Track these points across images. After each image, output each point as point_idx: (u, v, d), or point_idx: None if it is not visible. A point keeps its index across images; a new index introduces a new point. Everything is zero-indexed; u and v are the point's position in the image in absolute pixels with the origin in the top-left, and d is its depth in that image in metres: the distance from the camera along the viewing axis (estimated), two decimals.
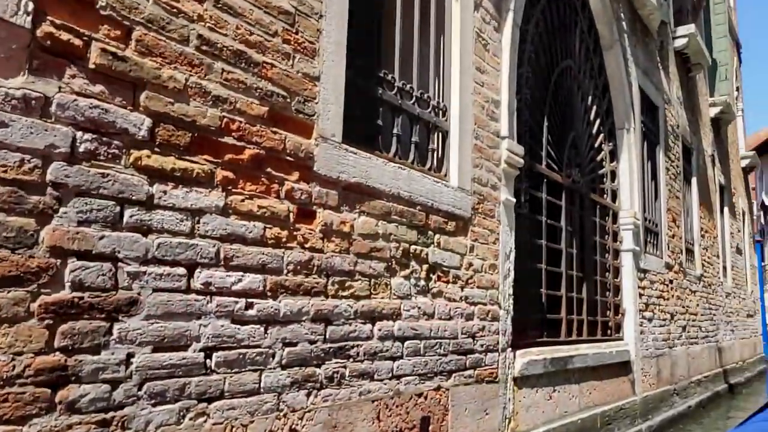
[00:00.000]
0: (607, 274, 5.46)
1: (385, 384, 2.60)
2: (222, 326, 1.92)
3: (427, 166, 3.10)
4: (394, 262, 2.70)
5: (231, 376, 1.94)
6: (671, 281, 6.92)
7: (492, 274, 3.46)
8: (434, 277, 2.97)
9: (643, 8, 6.42)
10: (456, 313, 3.11)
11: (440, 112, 3.24)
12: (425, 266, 2.91)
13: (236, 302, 1.98)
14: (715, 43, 10.53)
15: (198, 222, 1.89)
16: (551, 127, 4.66)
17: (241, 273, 2.00)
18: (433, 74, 3.26)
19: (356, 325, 2.46)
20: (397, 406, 2.66)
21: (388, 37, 3.11)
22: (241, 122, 2.05)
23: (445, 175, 3.21)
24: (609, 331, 5.41)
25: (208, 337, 1.88)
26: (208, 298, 1.89)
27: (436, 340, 2.94)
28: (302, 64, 2.31)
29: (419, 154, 3.06)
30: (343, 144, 2.47)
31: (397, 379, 2.67)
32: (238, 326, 1.98)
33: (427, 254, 2.93)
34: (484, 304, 3.36)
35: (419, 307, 2.84)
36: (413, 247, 2.84)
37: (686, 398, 7.00)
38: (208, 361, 1.87)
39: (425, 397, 2.84)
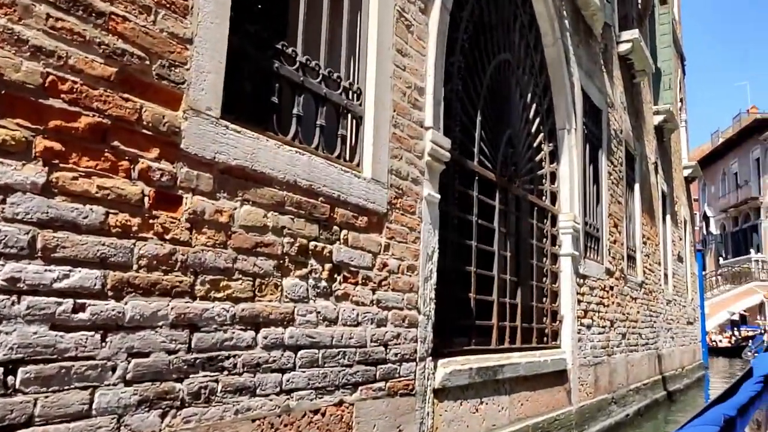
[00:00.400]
0: (544, 279, 5.26)
1: (271, 400, 2.24)
2: (35, 334, 1.54)
3: (335, 154, 2.77)
4: (287, 260, 2.36)
5: (46, 397, 1.55)
6: (612, 288, 6.80)
7: (411, 275, 3.15)
8: (339, 277, 2.64)
9: (586, 8, 6.30)
10: (365, 319, 2.78)
11: (353, 94, 2.91)
12: (328, 265, 2.57)
13: (59, 303, 1.60)
14: (660, 52, 10.63)
15: (3, 202, 1.50)
16: (486, 123, 4.41)
17: (68, 267, 1.62)
18: (347, 53, 2.94)
19: (234, 332, 2.10)
20: (285, 425, 2.31)
21: (293, 5, 2.77)
22: (75, 83, 1.67)
23: (358, 165, 2.89)
24: (545, 339, 5.20)
25: (11, 348, 1.49)
26: (14, 298, 1.50)
27: (340, 349, 2.60)
28: (169, 21, 1.95)
29: (326, 139, 2.73)
30: (222, 120, 2.11)
31: (287, 394, 2.32)
32: (61, 333, 1.60)
33: (330, 252, 2.59)
34: (400, 309, 3.05)
35: (319, 312, 2.50)
36: (313, 243, 2.50)
37: (624, 407, 6.88)
38: (10, 378, 1.48)
39: (323, 414, 2.49)
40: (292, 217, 2.39)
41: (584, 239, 6.07)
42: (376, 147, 2.93)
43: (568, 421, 5.20)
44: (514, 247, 4.73)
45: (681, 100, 14.15)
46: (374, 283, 2.86)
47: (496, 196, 4.47)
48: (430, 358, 3.29)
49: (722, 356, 24.58)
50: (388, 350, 2.93)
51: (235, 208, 2.14)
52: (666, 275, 10.39)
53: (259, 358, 2.20)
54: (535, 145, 5.29)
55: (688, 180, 13.89)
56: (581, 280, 5.80)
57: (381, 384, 2.86)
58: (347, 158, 2.85)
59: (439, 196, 3.42)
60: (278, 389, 2.27)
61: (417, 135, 3.28)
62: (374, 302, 2.85)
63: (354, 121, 2.92)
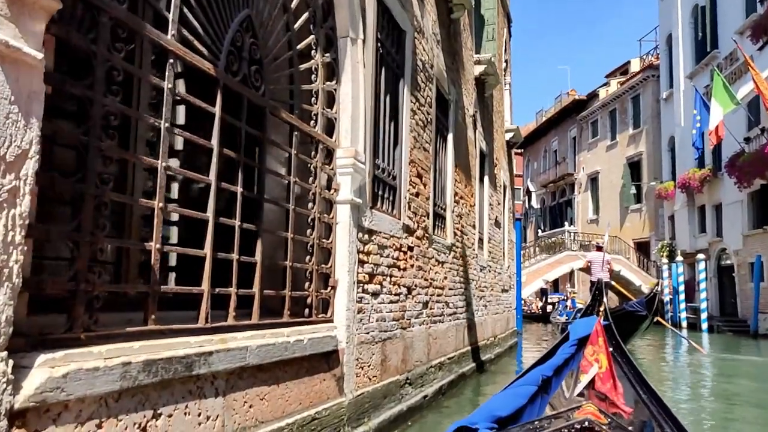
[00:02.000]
0: (309, 231, 3.90)
1: None
2: None
3: None
4: None
5: None
6: (411, 248, 5.73)
7: None
8: None
9: None
10: None
11: None
12: None
13: None
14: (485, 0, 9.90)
15: None
16: None
17: None
18: None
19: None
20: None
21: None
22: None
23: None
24: (309, 311, 3.87)
25: None
26: None
27: None
28: None
29: None
30: None
31: None
32: None
33: None
34: None
35: None
36: None
37: (422, 387, 5.91)
38: None
39: None
40: None
41: (373, 186, 4.85)
42: None
43: (336, 417, 3.95)
44: (249, 181, 3.28)
45: (506, 62, 13.86)
46: None
47: (217, 99, 2.95)
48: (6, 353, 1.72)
49: (536, 322, 26.19)
50: None
51: None
52: (481, 240, 9.81)
53: None
54: (300, 47, 3.86)
55: (510, 144, 13.69)
56: (366, 236, 4.58)
57: None
58: None
59: (40, 55, 1.81)
60: None
61: None
62: None
63: None
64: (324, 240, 4.07)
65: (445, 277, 7.06)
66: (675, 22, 26.20)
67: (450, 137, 7.54)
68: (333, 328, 4.03)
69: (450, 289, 7.30)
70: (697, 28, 25.07)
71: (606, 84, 35.37)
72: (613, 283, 16.94)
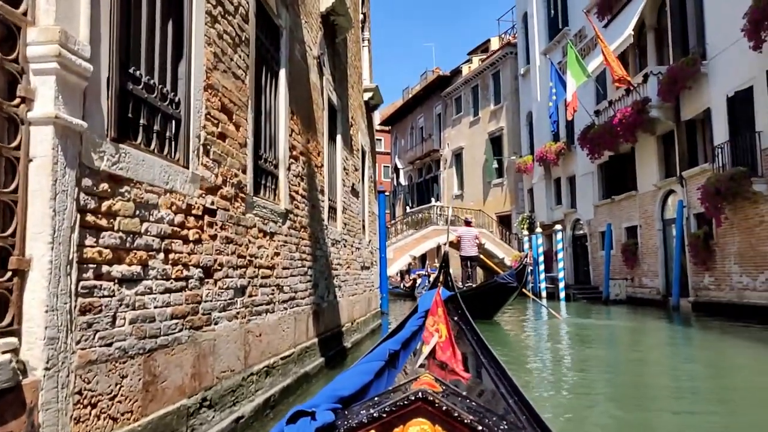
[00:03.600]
0: None
1: None
2: None
3: None
4: None
5: None
6: (211, 212, 3.99)
7: None
8: None
9: None
10: None
11: None
12: None
13: None
14: None
15: None
16: None
17: None
18: None
19: None
20: None
21: None
22: None
23: None
24: None
25: None
26: None
27: None
28: None
29: None
30: None
31: None
32: None
33: None
34: None
35: None
36: None
37: (234, 406, 4.24)
38: None
39: None
40: None
41: (126, 107, 3.04)
42: None
43: None
44: None
45: (364, 15, 12.38)
46: None
47: None
48: None
49: (405, 299, 25.55)
50: None
51: None
52: (333, 209, 8.29)
53: None
54: None
55: (370, 107, 12.29)
56: (104, 186, 2.77)
57: None
58: None
59: None
60: None
61: None
62: None
63: None
64: (2, 190, 2.23)
65: (277, 253, 5.42)
66: (530, 0, 26.50)
67: (283, 74, 5.84)
68: (12, 345, 2.22)
69: (285, 268, 5.67)
70: (549, 6, 25.51)
71: (468, 61, 35.52)
72: (482, 257, 16.58)
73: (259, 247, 4.94)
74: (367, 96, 11.66)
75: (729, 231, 13.47)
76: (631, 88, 16.59)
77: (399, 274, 27.58)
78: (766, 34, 11.29)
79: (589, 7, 20.72)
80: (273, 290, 5.28)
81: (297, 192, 6.26)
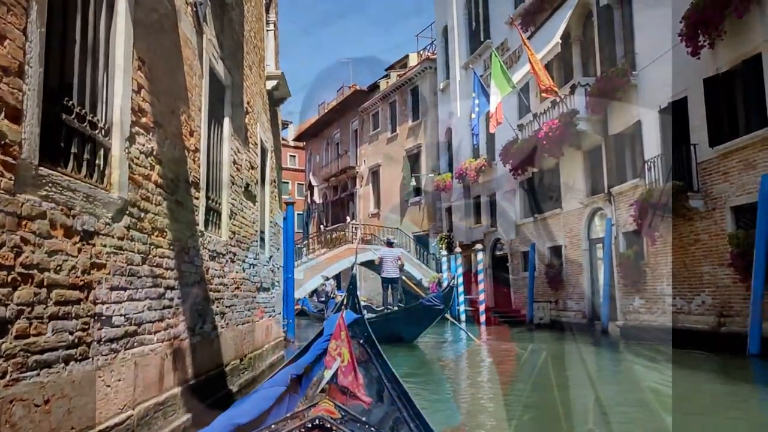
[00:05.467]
0: None
1: None
2: None
3: None
4: None
5: None
6: None
7: None
8: None
9: None
10: None
11: None
12: None
13: None
14: None
15: None
16: None
17: None
18: None
19: None
20: None
21: None
22: None
23: None
24: None
25: None
26: None
27: None
28: None
29: None
30: None
31: None
32: None
33: None
34: None
35: None
36: None
37: None
38: None
39: None
40: None
41: None
42: None
43: None
44: None
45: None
46: None
47: None
48: None
49: (318, 321, 23.49)
50: None
51: None
52: (214, 210, 6.32)
53: None
54: None
55: (275, 100, 10.44)
56: None
57: None
58: None
59: None
60: None
61: None
62: None
63: None
64: None
65: (99, 265, 3.43)
66: (450, 13, 25.85)
67: (124, 7, 3.90)
68: None
69: (116, 288, 3.68)
70: (471, 18, 24.91)
71: (386, 76, 34.47)
72: (404, 278, 15.28)
73: (52, 253, 2.95)
74: (270, 85, 9.80)
75: (662, 250, 12.71)
76: (558, 99, 15.81)
77: (322, 294, 25.45)
78: (704, 39, 10.62)
79: (514, 17, 20.10)
80: (86, 323, 3.27)
81: (148, 178, 4.29)
